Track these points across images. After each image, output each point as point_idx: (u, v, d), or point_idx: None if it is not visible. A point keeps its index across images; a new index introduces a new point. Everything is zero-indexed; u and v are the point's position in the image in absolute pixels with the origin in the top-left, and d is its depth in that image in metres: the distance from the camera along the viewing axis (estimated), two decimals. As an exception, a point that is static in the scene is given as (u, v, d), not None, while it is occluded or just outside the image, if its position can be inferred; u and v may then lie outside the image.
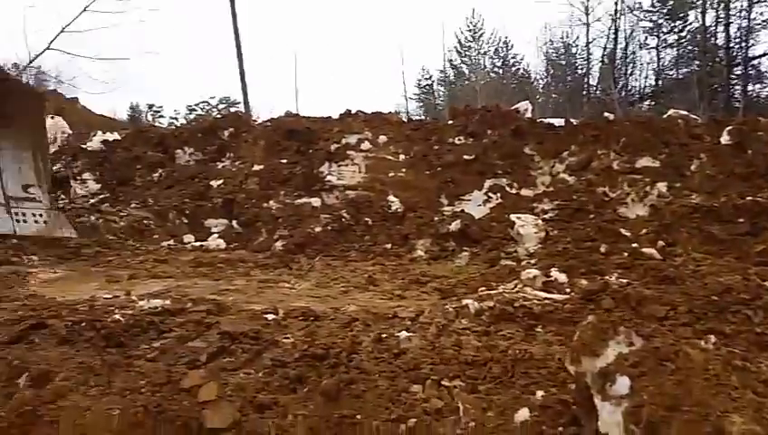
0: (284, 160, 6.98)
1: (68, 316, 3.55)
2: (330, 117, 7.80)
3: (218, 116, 9.75)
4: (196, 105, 13.24)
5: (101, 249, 5.87)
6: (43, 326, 3.39)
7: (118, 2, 12.47)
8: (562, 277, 4.18)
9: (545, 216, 6.25)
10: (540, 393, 2.12)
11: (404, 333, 2.90)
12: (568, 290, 3.96)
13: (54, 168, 8.02)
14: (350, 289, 4.56)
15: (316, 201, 6.59)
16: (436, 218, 6.31)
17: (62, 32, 12.11)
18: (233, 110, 14.85)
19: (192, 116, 13.82)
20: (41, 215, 6.46)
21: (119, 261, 5.57)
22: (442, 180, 6.98)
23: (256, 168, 7.03)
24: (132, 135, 8.71)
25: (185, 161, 7.99)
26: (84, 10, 12.34)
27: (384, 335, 2.86)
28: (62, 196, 7.47)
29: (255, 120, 9.86)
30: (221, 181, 7.15)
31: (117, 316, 3.48)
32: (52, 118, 8.95)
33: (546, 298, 3.67)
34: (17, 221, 6.28)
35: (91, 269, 5.25)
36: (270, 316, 3.60)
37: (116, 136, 8.81)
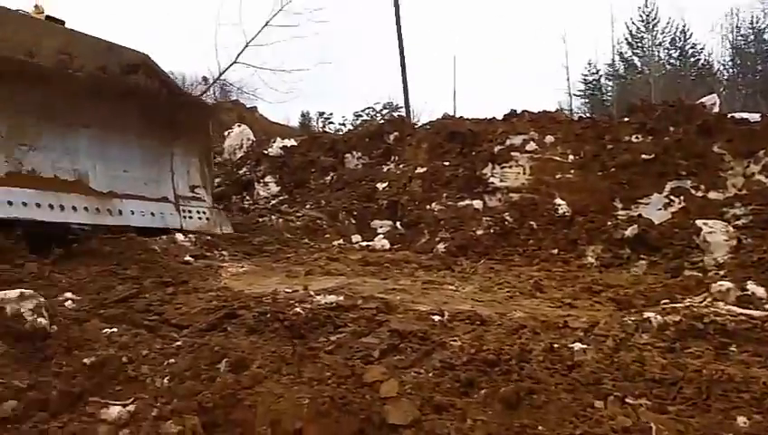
0: (447, 163, 7.06)
1: (255, 308, 3.90)
2: (493, 118, 7.73)
3: (383, 121, 10.10)
4: (363, 111, 13.99)
5: (281, 247, 6.36)
6: (234, 316, 3.76)
7: (295, 15, 13.46)
8: (760, 291, 3.73)
9: (737, 222, 5.61)
10: (742, 419, 1.91)
11: (578, 345, 2.77)
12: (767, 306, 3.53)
13: (241, 172, 8.92)
14: (515, 294, 4.46)
15: (478, 203, 6.57)
16: (608, 223, 5.95)
17: (246, 47, 13.42)
18: (395, 114, 15.34)
19: (358, 122, 14.54)
20: (204, 212, 7.02)
21: (296, 258, 6.00)
22: (616, 182, 6.56)
23: (419, 170, 7.19)
24: (307, 141, 9.38)
25: (354, 165, 8.41)
26: (266, 25, 13.55)
27: (556, 345, 2.75)
28: (247, 197, 8.26)
29: (416, 124, 10.08)
30: (386, 184, 7.42)
31: (297, 309, 3.76)
32: (239, 126, 9.95)
33: (741, 314, 3.30)
34: (184, 218, 6.82)
35: (272, 265, 5.72)
36: (436, 317, 3.66)
37: (293, 142, 9.53)
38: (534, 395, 1.99)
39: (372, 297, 4.15)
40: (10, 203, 5.18)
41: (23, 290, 2.79)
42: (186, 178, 7.05)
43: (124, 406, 2.25)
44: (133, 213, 6.23)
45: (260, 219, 7.20)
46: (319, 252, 6.26)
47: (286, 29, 13.84)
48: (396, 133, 8.08)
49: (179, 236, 5.86)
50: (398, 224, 6.84)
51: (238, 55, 13.52)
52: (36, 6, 6.52)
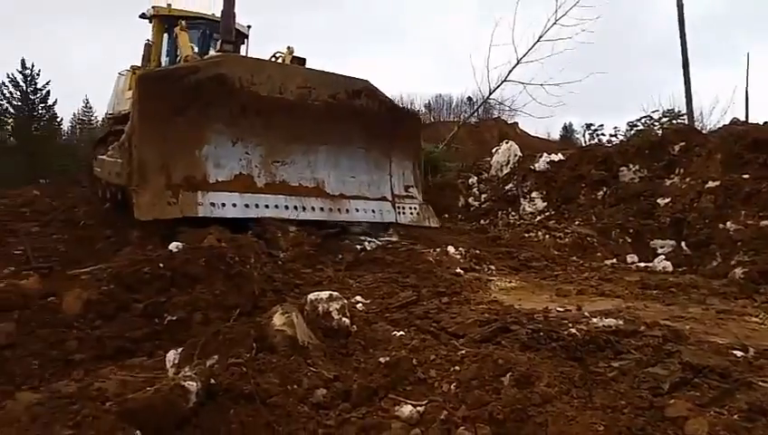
0: (746, 176, 6.08)
1: (528, 324, 3.87)
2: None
3: (664, 130, 9.18)
4: (638, 120, 12.93)
5: (549, 263, 6.22)
6: (507, 330, 3.77)
7: (563, 27, 13.12)
8: None
9: None
10: None
11: None
12: None
13: (507, 187, 8.99)
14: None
15: (790, 223, 5.52)
16: None
17: (517, 64, 13.47)
18: (676, 123, 13.85)
19: (632, 132, 13.47)
20: (415, 208, 8.22)
21: (565, 276, 5.81)
22: None
23: (711, 184, 6.33)
24: (576, 155, 9.04)
25: (629, 179, 7.82)
26: (538, 41, 13.45)
27: None
28: (513, 212, 8.28)
29: (704, 132, 8.94)
30: (669, 199, 6.72)
31: (573, 330, 3.61)
32: (507, 143, 10.06)
33: None
34: (399, 213, 8.08)
35: (540, 281, 5.62)
36: (738, 353, 3.19)
37: (560, 157, 9.28)
38: None
39: (657, 324, 3.79)
40: (267, 206, 6.85)
41: (331, 292, 3.19)
42: (401, 180, 8.28)
43: (415, 406, 2.41)
44: (357, 210, 7.67)
45: (526, 235, 7.14)
46: (589, 271, 5.96)
47: (558, 42, 13.50)
48: (682, 143, 7.26)
49: (451, 249, 6.13)
50: (682, 244, 6.14)
51: (509, 73, 13.64)
52: (288, 48, 8.65)
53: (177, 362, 2.77)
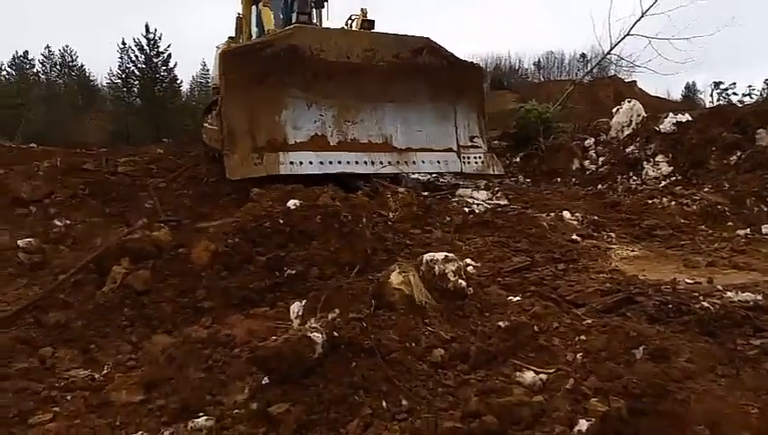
0: None
1: (654, 296, 3.65)
2: None
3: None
4: (780, 77, 11.50)
5: (674, 232, 5.80)
6: (632, 302, 3.58)
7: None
8: None
9: None
10: None
11: None
12: None
13: (628, 150, 8.44)
14: None
15: None
16: None
17: (642, 16, 12.43)
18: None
19: (770, 91, 12.10)
20: (480, 157, 8.70)
21: (692, 246, 5.40)
22: None
23: None
24: (706, 115, 8.28)
25: (767, 142, 7.06)
26: (663, -7, 12.32)
27: None
28: (634, 177, 7.78)
29: None
30: (817, 165, 6.00)
31: (704, 303, 3.36)
32: (629, 102, 9.37)
33: None
34: (464, 163, 8.54)
35: (665, 251, 5.26)
36: None
37: (687, 117, 8.55)
38: None
39: (804, 301, 3.43)
40: (339, 162, 7.61)
41: (447, 253, 3.16)
42: (466, 131, 8.72)
43: (538, 373, 2.35)
44: (423, 162, 8.28)
45: (649, 201, 6.68)
46: (720, 241, 5.50)
47: None
48: (837, 102, 6.42)
49: (566, 214, 5.88)
50: (834, 215, 5.47)
51: (633, 26, 12.62)
52: (362, 10, 9.10)
53: (300, 313, 2.87)
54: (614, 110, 9.43)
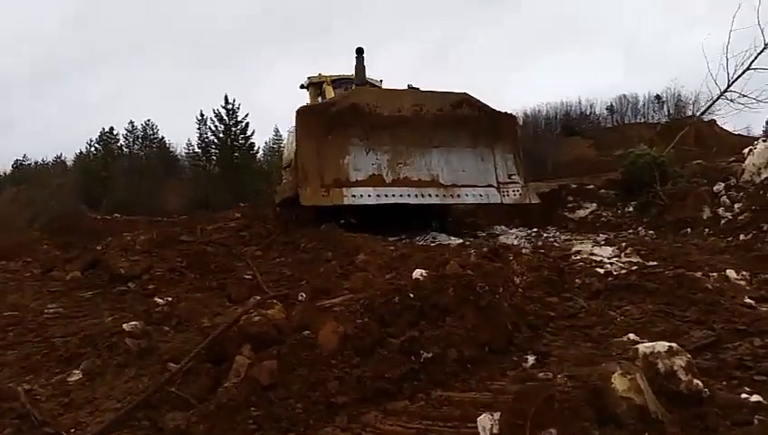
0: None
1: None
2: None
3: None
4: None
5: None
6: None
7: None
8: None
9: None
10: None
11: None
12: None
13: (769, 194, 7.45)
14: None
15: None
16: None
17: (764, 49, 11.40)
18: None
19: None
20: (518, 190, 10.13)
21: None
22: None
23: None
24: None
25: None
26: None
27: None
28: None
29: None
30: None
31: None
32: (764, 141, 8.42)
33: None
34: (503, 195, 9.97)
35: None
36: None
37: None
38: None
39: None
40: (393, 195, 8.97)
41: (669, 344, 2.44)
42: (504, 169, 10.20)
43: None
44: (467, 195, 9.75)
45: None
46: None
47: None
48: None
49: (731, 273, 5.00)
50: None
51: (753, 60, 11.61)
52: (409, 85, 10.77)
53: (495, 431, 2.21)
54: (746, 151, 8.45)
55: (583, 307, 4.70)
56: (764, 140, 8.38)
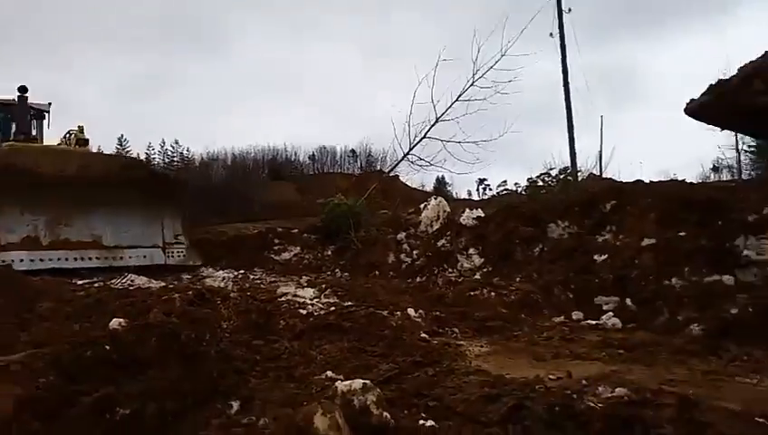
0: (683, 234, 6.40)
1: (537, 398, 3.60)
2: (737, 182, 7.01)
3: (595, 189, 9.64)
4: (538, 177, 13.66)
5: (504, 323, 6.07)
6: (521, 407, 3.50)
7: (482, 89, 13.78)
8: None
9: None
10: None
11: None
12: None
13: (439, 243, 8.88)
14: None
15: (729, 279, 5.84)
16: None
17: (436, 122, 13.79)
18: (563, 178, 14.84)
19: (529, 189, 14.19)
20: (182, 251, 10.73)
21: (525, 337, 5.68)
22: None
23: (647, 242, 6.61)
24: (502, 211, 9.13)
25: (557, 235, 8.00)
26: (456, 100, 13.89)
27: None
28: (450, 269, 8.15)
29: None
30: (606, 256, 6.91)
31: (589, 403, 3.43)
32: (436, 199, 10.05)
33: None
34: (168, 256, 10.45)
35: (507, 344, 5.44)
36: (761, 420, 3.17)
37: (479, 213, 9.37)
38: None
39: (662, 391, 3.69)
40: (50, 259, 8.99)
41: (364, 381, 2.74)
42: (171, 230, 10.76)
43: None
44: (131, 257, 9.90)
45: (471, 293, 6.99)
46: (547, 330, 5.89)
47: (478, 102, 14.05)
48: (614, 202, 7.57)
49: (411, 312, 5.81)
50: (627, 300, 6.27)
51: (428, 131, 13.94)
52: (79, 127, 11.13)
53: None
54: (422, 205, 9.98)
55: (287, 348, 4.90)
56: (435, 198, 10.08)
